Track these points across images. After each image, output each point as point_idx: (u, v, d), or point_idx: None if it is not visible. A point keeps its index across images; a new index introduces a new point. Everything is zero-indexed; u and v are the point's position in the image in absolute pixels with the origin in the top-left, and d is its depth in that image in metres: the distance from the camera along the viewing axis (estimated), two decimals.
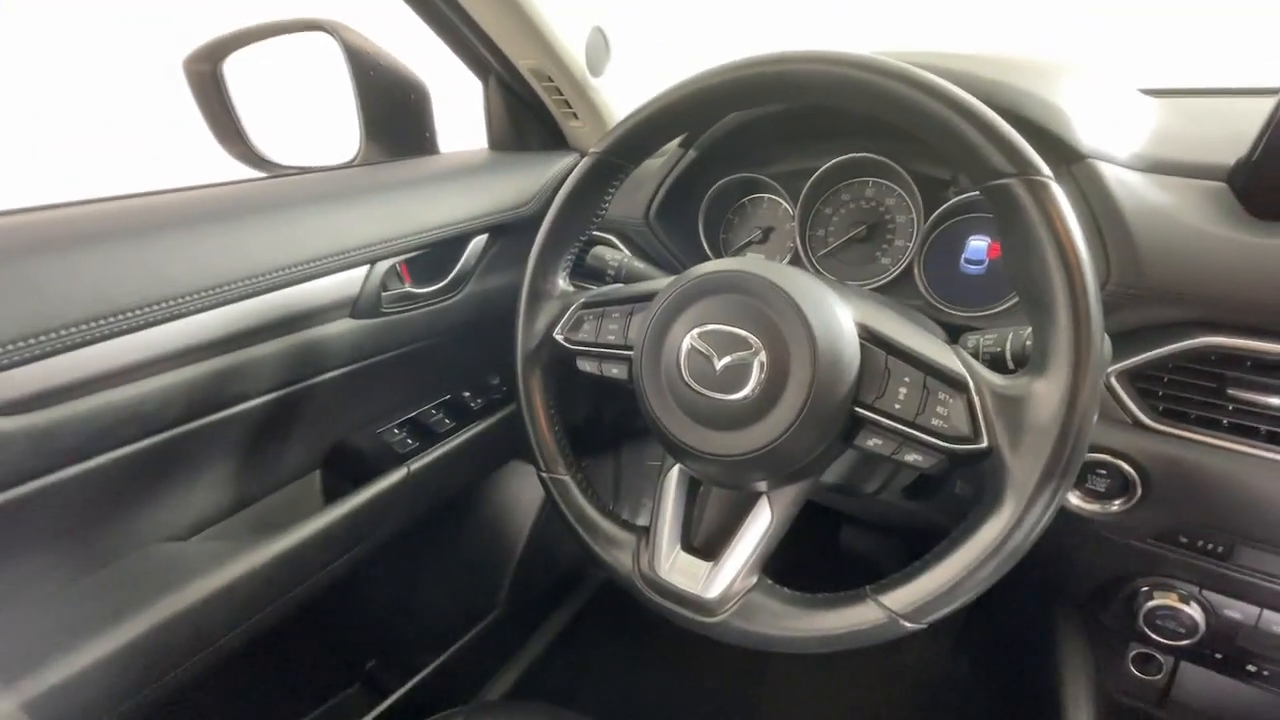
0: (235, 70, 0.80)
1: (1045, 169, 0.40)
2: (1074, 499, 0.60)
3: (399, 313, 0.74)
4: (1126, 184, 0.57)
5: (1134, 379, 0.57)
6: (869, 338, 0.45)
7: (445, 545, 0.97)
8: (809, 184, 0.75)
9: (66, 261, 0.48)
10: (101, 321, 0.48)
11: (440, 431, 0.82)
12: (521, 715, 0.65)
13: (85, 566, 0.56)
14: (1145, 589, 0.65)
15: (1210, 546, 0.59)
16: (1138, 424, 0.57)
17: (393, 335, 0.75)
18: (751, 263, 0.47)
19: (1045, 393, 0.39)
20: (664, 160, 0.80)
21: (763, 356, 0.44)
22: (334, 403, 0.72)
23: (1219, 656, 0.66)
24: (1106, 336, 0.48)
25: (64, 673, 0.50)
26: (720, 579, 0.48)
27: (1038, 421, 0.39)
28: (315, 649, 0.83)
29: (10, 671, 0.49)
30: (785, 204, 0.80)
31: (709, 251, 0.84)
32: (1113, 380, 0.57)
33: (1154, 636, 0.65)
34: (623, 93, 0.86)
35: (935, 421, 0.42)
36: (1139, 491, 0.58)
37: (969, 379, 0.42)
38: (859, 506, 0.92)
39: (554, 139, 0.91)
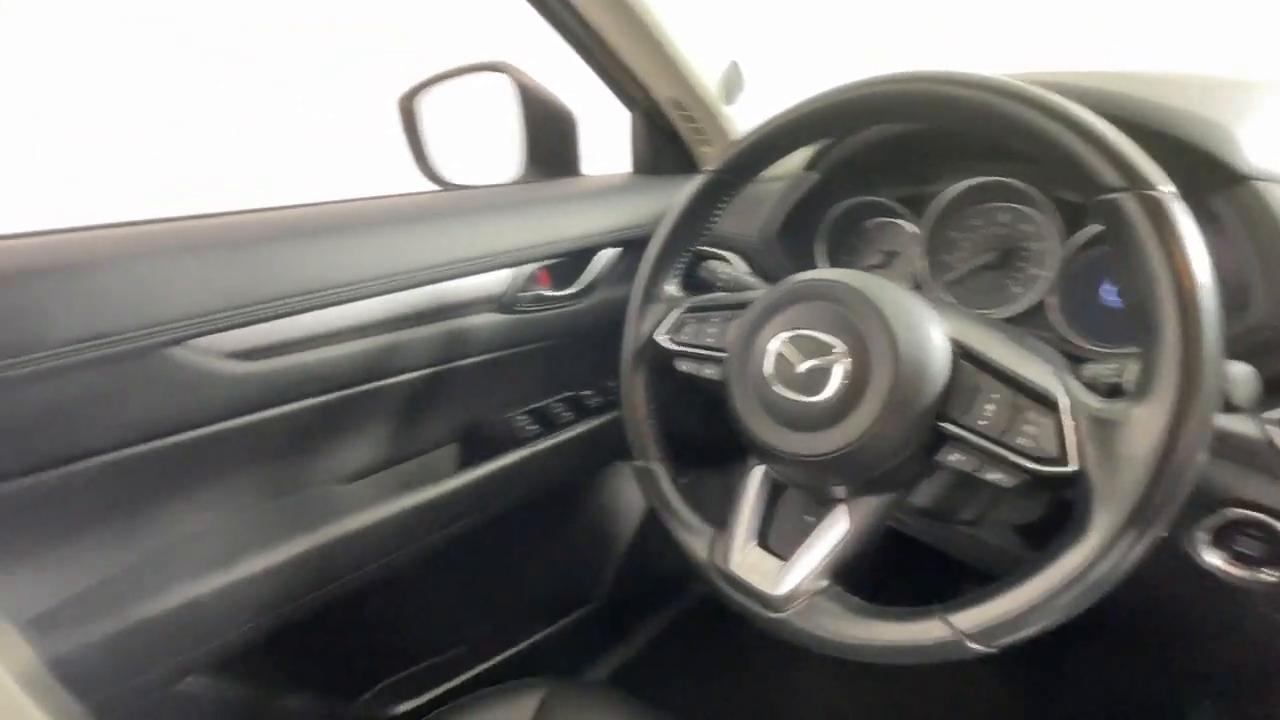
0: (427, 105, 0.96)
1: (1162, 183, 0.38)
2: (1219, 562, 0.53)
3: (534, 312, 0.84)
4: None
5: None
6: (963, 354, 0.44)
7: (554, 530, 1.04)
8: (938, 208, 0.73)
9: (295, 250, 0.63)
10: (309, 295, 0.61)
11: (560, 423, 0.90)
12: (597, 698, 0.69)
13: (271, 492, 0.70)
14: None
15: None
16: None
17: (528, 331, 0.85)
18: (845, 273, 0.49)
19: (1145, 419, 0.37)
20: (786, 181, 0.82)
21: (846, 362, 0.45)
22: (474, 385, 0.83)
23: None
24: (1254, 371, 0.43)
25: (241, 573, 0.64)
26: (790, 578, 0.49)
27: (1133, 450, 0.37)
28: (428, 604, 0.93)
29: (202, 566, 0.63)
30: (910, 228, 0.79)
31: None
32: (1269, 429, 0.50)
33: None
34: (753, 119, 0.90)
35: (1021, 440, 0.41)
36: None
37: (1061, 399, 0.40)
38: (984, 559, 0.85)
39: (689, 164, 0.97)
